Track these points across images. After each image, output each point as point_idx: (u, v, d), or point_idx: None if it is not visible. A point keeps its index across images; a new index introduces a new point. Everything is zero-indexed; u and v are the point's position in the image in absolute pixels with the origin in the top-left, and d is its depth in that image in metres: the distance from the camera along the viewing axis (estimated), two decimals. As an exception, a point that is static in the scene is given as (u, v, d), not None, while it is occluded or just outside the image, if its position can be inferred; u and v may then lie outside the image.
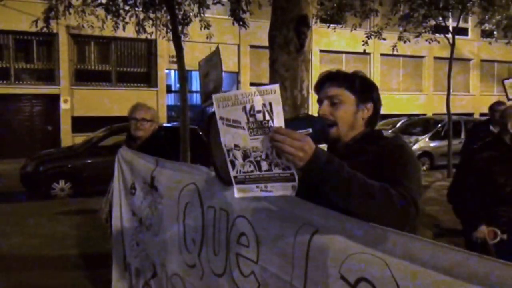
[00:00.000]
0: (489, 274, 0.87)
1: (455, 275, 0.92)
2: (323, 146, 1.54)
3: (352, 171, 1.32)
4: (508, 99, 5.99)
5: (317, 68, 20.22)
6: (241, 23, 9.81)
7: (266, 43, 4.34)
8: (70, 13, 10.24)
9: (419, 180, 1.56)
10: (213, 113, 1.40)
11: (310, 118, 1.64)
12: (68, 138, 17.15)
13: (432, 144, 13.58)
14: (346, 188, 1.28)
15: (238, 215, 1.71)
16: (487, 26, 16.12)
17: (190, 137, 8.85)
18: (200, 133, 10.33)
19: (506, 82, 6.53)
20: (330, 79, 1.70)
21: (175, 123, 12.95)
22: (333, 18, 11.71)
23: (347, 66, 21.83)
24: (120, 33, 11.24)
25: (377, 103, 1.72)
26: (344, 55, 22.23)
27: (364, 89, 1.68)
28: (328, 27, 12.52)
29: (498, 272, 0.86)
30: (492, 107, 5.36)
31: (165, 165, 2.56)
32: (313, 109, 2.30)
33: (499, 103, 5.42)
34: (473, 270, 0.90)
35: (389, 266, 1.04)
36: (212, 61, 3.21)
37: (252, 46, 20.14)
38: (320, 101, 1.69)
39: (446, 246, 0.96)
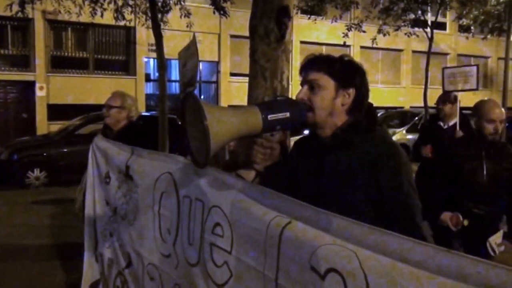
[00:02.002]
0: (456, 268, 0.89)
1: (423, 268, 0.93)
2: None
3: None
4: (443, 90, 5.41)
5: (297, 59, 20.24)
6: (221, 12, 9.72)
7: (247, 33, 4.31)
8: (46, -3, 9.98)
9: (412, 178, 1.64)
10: (188, 94, 1.36)
11: (289, 102, 1.61)
12: (43, 126, 16.79)
13: (409, 137, 13.78)
14: None
15: (213, 205, 1.70)
16: (464, 21, 16.37)
17: (169, 127, 8.78)
18: (179, 122, 10.25)
19: (447, 71, 5.53)
20: (311, 62, 1.66)
21: (153, 112, 12.82)
22: (313, 9, 11.74)
23: (327, 58, 21.84)
24: (98, 19, 11.01)
25: (360, 89, 1.63)
26: (324, 47, 22.28)
27: (345, 73, 1.61)
28: (309, 18, 12.53)
29: (465, 266, 0.88)
30: (439, 103, 4.86)
31: (140, 154, 2.52)
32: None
33: (445, 97, 4.86)
34: (441, 263, 0.91)
35: (359, 258, 1.05)
36: (190, 50, 3.17)
37: (232, 36, 19.99)
38: (302, 86, 1.66)
39: (415, 240, 0.98)
